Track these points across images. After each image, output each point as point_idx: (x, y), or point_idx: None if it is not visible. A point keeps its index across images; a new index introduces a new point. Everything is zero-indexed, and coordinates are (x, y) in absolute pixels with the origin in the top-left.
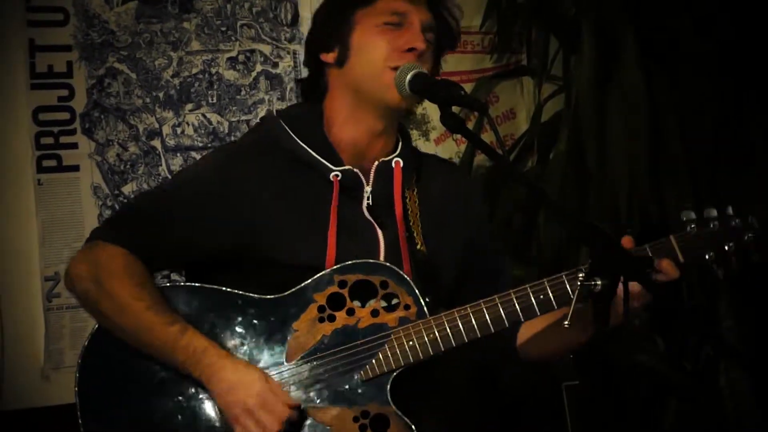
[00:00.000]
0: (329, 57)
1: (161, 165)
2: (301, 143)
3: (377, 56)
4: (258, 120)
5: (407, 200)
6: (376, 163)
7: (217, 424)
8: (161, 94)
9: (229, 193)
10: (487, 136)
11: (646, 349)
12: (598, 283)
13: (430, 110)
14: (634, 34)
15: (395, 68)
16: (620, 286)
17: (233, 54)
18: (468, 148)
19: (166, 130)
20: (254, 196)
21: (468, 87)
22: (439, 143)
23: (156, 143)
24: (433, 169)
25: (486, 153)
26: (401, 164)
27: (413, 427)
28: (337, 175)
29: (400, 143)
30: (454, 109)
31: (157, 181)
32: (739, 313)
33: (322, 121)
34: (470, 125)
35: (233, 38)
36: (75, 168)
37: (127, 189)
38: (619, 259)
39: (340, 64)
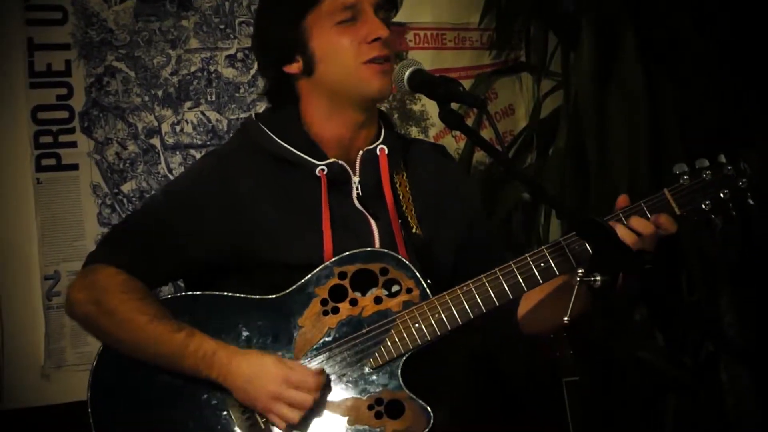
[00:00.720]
0: (293, 68)
1: (160, 163)
2: (283, 144)
3: (347, 57)
4: (239, 125)
5: (397, 186)
6: (361, 152)
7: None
8: (160, 93)
9: (225, 196)
10: (486, 133)
11: (646, 345)
12: (598, 278)
13: (429, 107)
14: (634, 31)
15: (367, 62)
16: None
17: (232, 52)
18: (467, 145)
19: (165, 128)
20: (248, 197)
21: (467, 83)
22: (438, 140)
23: (155, 141)
24: (422, 153)
25: (485, 149)
26: (386, 151)
27: (429, 408)
28: (323, 170)
29: (383, 130)
30: (453, 105)
31: (156, 179)
32: (740, 309)
33: (301, 121)
34: (469, 122)
35: (232, 36)
36: (74, 167)
37: (127, 187)
38: (619, 255)
39: (309, 74)
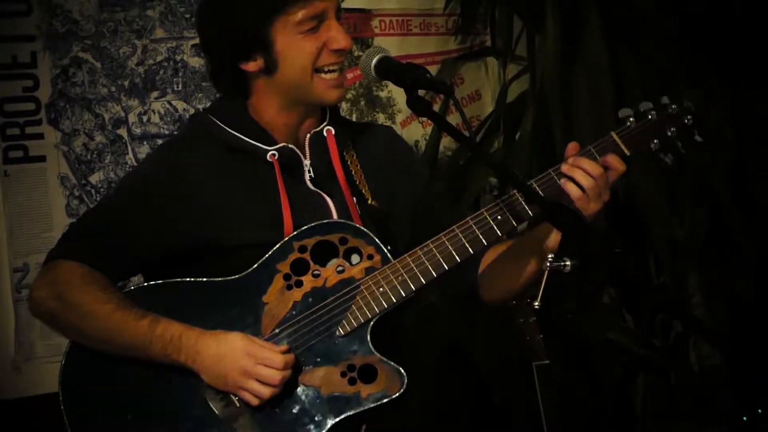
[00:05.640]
0: (250, 66)
1: (128, 154)
2: (233, 132)
3: (307, 64)
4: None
5: (348, 163)
6: (309, 135)
7: (205, 414)
8: (126, 83)
9: (177, 184)
10: (453, 118)
11: (615, 326)
12: (567, 263)
13: (396, 93)
14: (598, 11)
15: (320, 70)
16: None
17: (197, 41)
18: (434, 131)
19: (132, 118)
20: (202, 184)
21: (433, 69)
22: (405, 126)
23: (122, 132)
24: (369, 133)
25: (452, 135)
26: (333, 131)
27: (401, 369)
28: (274, 154)
29: (328, 113)
30: (420, 92)
31: (124, 169)
32: (707, 289)
33: (249, 111)
34: (436, 107)
35: None
36: (41, 158)
37: (95, 178)
38: (587, 238)
39: (269, 73)
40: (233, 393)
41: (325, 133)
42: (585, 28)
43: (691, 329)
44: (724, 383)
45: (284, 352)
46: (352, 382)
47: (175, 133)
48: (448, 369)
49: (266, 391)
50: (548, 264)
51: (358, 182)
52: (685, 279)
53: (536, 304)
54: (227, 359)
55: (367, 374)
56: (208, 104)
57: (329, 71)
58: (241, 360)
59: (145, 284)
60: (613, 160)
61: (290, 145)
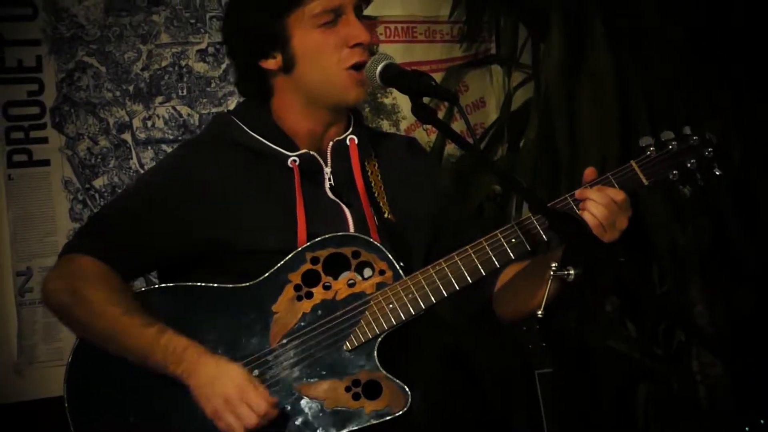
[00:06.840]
0: (270, 64)
1: (132, 158)
2: (255, 135)
3: (329, 61)
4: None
5: (369, 174)
6: (331, 143)
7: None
8: (131, 88)
9: (193, 186)
10: (457, 126)
11: (618, 335)
12: (571, 272)
13: (401, 100)
14: (602, 19)
15: (350, 67)
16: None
17: (203, 46)
18: (438, 138)
19: (136, 123)
20: (219, 187)
21: (437, 76)
22: (409, 133)
23: (126, 136)
24: (392, 144)
25: (457, 142)
26: (356, 140)
27: (406, 387)
28: (294, 160)
29: (352, 121)
30: (425, 99)
31: (128, 174)
32: (710, 298)
33: (273, 115)
34: (440, 114)
35: (202, 30)
36: (46, 162)
37: (98, 183)
38: (592, 248)
39: (287, 71)
40: (211, 417)
41: (347, 142)
42: (589, 36)
43: (693, 338)
44: (725, 392)
45: (273, 405)
46: (356, 397)
47: (180, 138)
48: (452, 377)
49: (239, 429)
50: (551, 273)
51: (377, 194)
52: (687, 288)
53: (539, 312)
54: (217, 383)
55: (372, 390)
56: (212, 109)
57: (353, 68)
58: (230, 389)
59: (157, 286)
60: (614, 193)
61: (312, 152)
